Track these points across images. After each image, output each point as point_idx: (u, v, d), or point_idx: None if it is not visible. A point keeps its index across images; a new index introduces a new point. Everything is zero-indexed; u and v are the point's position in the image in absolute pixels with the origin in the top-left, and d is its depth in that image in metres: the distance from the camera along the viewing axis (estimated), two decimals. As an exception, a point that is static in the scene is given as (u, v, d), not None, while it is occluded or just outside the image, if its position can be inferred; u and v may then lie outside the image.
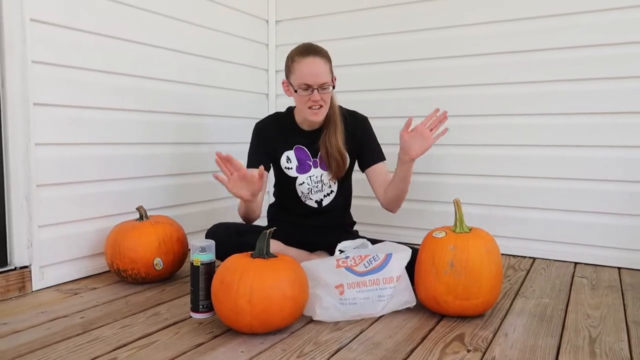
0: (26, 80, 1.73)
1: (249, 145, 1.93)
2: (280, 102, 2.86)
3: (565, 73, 2.20)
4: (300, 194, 1.91)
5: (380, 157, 1.91)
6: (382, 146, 1.94)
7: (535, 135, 2.28)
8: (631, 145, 2.11)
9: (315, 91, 1.72)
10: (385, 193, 1.86)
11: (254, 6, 2.77)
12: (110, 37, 2.00)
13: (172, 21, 2.28)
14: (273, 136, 1.88)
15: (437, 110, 1.72)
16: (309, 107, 1.75)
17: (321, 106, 1.76)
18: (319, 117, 1.78)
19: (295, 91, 1.76)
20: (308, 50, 1.75)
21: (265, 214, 2.12)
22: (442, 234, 1.54)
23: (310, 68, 1.71)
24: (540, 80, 2.25)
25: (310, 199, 1.91)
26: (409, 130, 1.71)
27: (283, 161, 1.89)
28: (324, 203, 1.92)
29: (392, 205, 1.88)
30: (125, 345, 1.33)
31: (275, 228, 1.50)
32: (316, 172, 1.89)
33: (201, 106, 2.47)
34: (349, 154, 1.88)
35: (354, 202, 2.07)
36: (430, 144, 1.71)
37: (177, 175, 2.36)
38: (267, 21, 2.87)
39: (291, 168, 1.90)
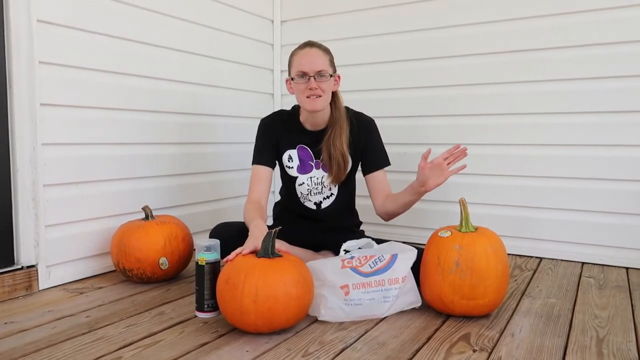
0: (33, 80, 1.74)
1: (254, 141, 1.91)
2: (286, 102, 2.86)
3: (572, 72, 2.18)
4: (299, 195, 1.90)
5: (382, 164, 1.89)
6: (387, 146, 1.92)
7: (540, 135, 2.27)
8: (638, 145, 2.09)
9: (312, 79, 1.72)
10: (384, 205, 1.85)
11: (259, 6, 2.77)
12: (116, 38, 2.01)
13: (178, 21, 2.29)
14: (278, 132, 1.87)
15: (458, 146, 1.68)
16: (307, 97, 1.74)
17: (319, 96, 1.74)
18: (316, 106, 1.75)
19: (292, 79, 1.77)
20: (306, 43, 1.80)
21: (271, 213, 2.12)
22: (448, 234, 1.53)
23: (307, 57, 1.74)
24: (547, 79, 2.23)
25: (310, 200, 1.89)
26: (428, 162, 1.68)
27: (285, 159, 1.88)
28: (323, 206, 1.90)
29: (386, 216, 1.88)
30: (130, 344, 1.33)
31: (280, 228, 1.50)
32: (317, 174, 1.87)
33: (206, 106, 2.48)
34: (352, 158, 1.86)
35: (357, 202, 2.06)
36: (447, 177, 1.69)
37: (182, 175, 2.37)
38: (272, 21, 2.87)
39: (292, 167, 1.88)
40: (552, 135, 2.24)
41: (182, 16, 2.29)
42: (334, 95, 1.83)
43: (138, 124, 2.14)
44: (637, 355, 1.29)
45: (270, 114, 1.95)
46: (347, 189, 1.93)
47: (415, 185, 1.73)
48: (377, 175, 1.88)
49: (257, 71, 2.80)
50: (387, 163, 1.90)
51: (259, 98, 2.83)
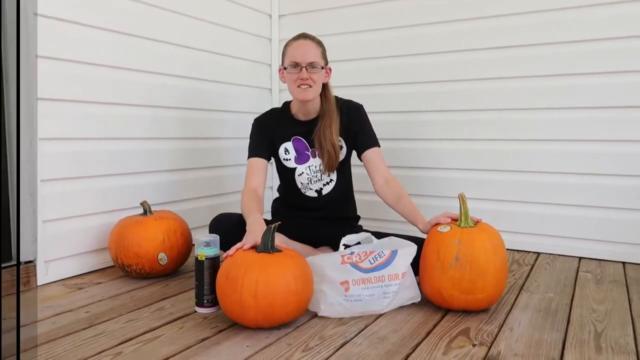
0: (31, 74, 1.72)
1: (249, 139, 1.92)
2: (284, 97, 2.85)
3: (571, 67, 2.18)
4: (299, 185, 1.92)
5: (373, 143, 1.90)
6: (385, 142, 1.93)
7: (538, 130, 2.27)
8: (636, 140, 2.10)
9: (304, 69, 1.76)
10: (384, 193, 1.84)
11: (258, 1, 2.76)
12: (114, 32, 2.00)
13: (176, 16, 2.27)
14: (271, 128, 1.91)
15: None
16: (298, 86, 1.79)
17: (310, 86, 1.78)
18: (307, 95, 1.79)
19: (285, 68, 1.81)
20: (300, 35, 1.84)
21: (270, 209, 2.12)
22: (447, 229, 1.54)
23: (301, 48, 1.79)
24: (545, 75, 2.24)
25: (310, 189, 1.92)
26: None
27: (281, 153, 1.91)
28: (324, 192, 1.93)
29: (385, 200, 1.87)
30: (130, 339, 1.33)
31: (280, 222, 1.50)
32: (315, 162, 1.90)
33: (205, 101, 2.47)
34: (345, 144, 1.90)
35: (356, 196, 2.06)
36: None
37: (181, 170, 2.36)
38: (270, 16, 2.86)
39: (289, 159, 1.91)
40: (550, 130, 2.25)
41: (179, 10, 2.28)
42: (324, 87, 1.88)
43: (136, 119, 2.13)
44: (635, 349, 1.30)
45: (263, 113, 1.98)
46: (344, 174, 1.96)
47: (421, 227, 1.70)
48: (369, 154, 1.89)
49: (255, 66, 2.79)
50: (377, 144, 1.91)
51: (257, 93, 2.82)
